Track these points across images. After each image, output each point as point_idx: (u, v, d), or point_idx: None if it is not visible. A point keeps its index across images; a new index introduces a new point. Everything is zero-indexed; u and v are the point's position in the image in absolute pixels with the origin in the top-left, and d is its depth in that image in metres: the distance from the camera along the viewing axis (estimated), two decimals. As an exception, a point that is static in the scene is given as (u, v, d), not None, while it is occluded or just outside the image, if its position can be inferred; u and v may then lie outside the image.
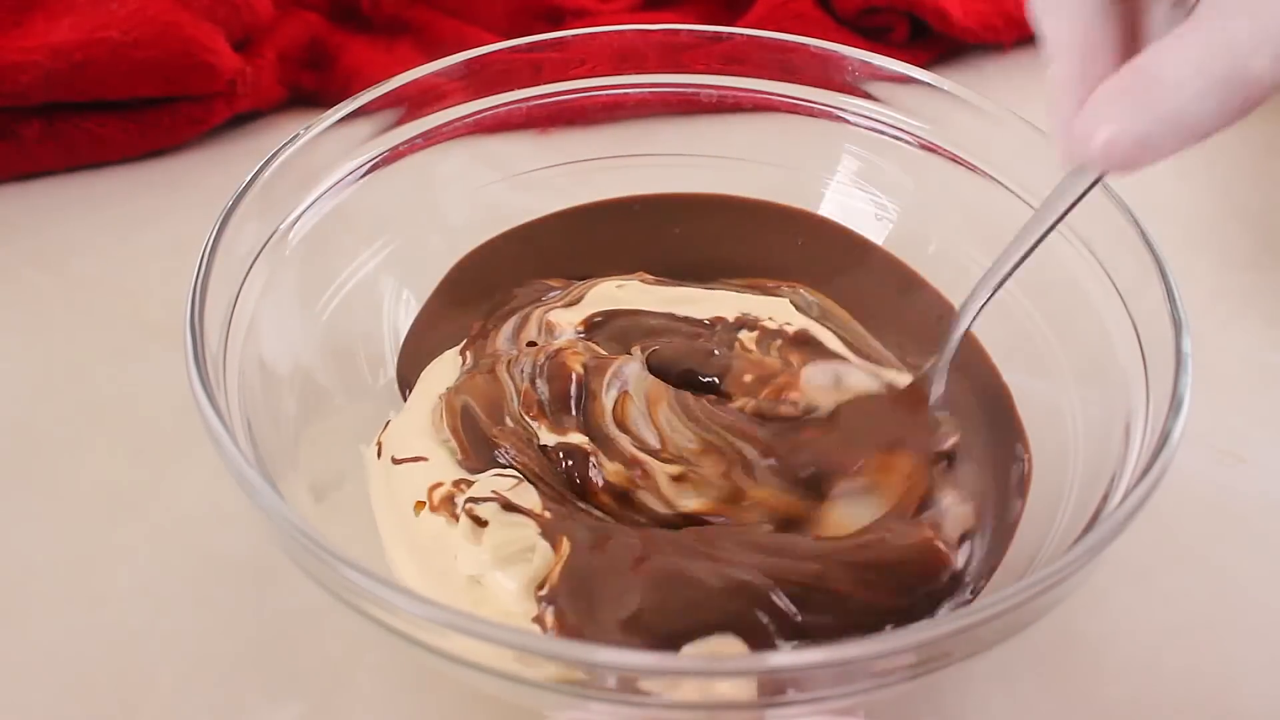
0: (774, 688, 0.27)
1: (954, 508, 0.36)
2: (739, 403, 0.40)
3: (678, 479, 0.37)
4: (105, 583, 0.38)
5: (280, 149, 0.39)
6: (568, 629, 0.32)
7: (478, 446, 0.38)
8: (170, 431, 0.43)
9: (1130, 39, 0.29)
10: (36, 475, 0.41)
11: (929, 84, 0.43)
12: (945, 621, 0.27)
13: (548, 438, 0.38)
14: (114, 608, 0.38)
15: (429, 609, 0.27)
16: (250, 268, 0.37)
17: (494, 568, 0.34)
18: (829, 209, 0.47)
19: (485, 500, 0.35)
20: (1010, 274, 0.36)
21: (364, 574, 0.27)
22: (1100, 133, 0.27)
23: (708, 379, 0.41)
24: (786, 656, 0.30)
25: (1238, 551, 0.41)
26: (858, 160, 0.46)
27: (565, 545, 0.34)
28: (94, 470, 0.42)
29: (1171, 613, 0.39)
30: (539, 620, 0.33)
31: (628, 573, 0.33)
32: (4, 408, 0.44)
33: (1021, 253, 0.35)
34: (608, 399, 0.38)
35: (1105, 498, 0.33)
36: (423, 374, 0.41)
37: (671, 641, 0.31)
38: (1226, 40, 0.25)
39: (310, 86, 0.59)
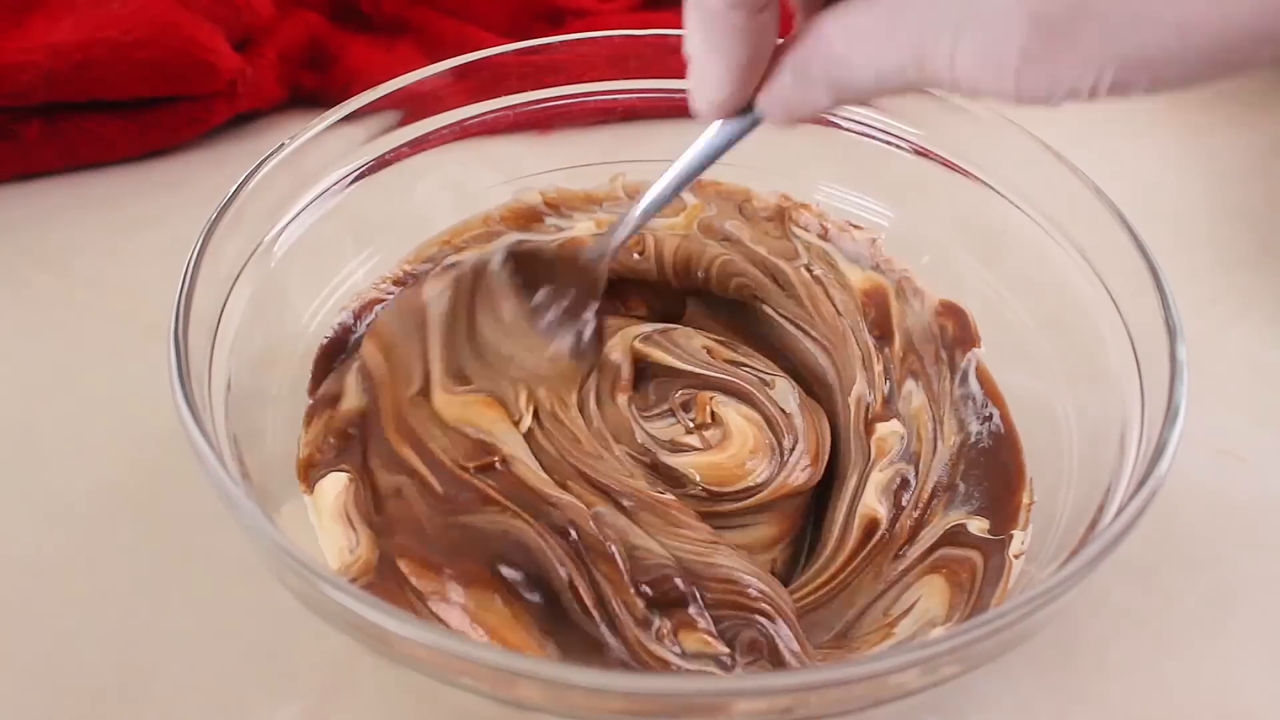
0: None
1: None
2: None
3: None
4: (105, 583, 0.38)
5: (268, 156, 0.38)
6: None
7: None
8: (170, 431, 0.42)
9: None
10: (36, 475, 0.41)
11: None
12: (938, 642, 0.26)
13: None
14: (114, 608, 0.38)
15: (416, 630, 0.27)
16: (239, 274, 0.37)
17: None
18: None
19: None
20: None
21: (345, 591, 0.27)
22: (784, 105, 0.29)
23: None
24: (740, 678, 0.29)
25: (1238, 551, 0.41)
26: (852, 166, 0.46)
27: None
28: (93, 470, 0.42)
29: (1172, 612, 0.39)
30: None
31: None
32: (4, 408, 0.44)
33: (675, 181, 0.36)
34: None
35: (1101, 508, 0.33)
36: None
37: None
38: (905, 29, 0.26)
39: (310, 86, 0.59)
